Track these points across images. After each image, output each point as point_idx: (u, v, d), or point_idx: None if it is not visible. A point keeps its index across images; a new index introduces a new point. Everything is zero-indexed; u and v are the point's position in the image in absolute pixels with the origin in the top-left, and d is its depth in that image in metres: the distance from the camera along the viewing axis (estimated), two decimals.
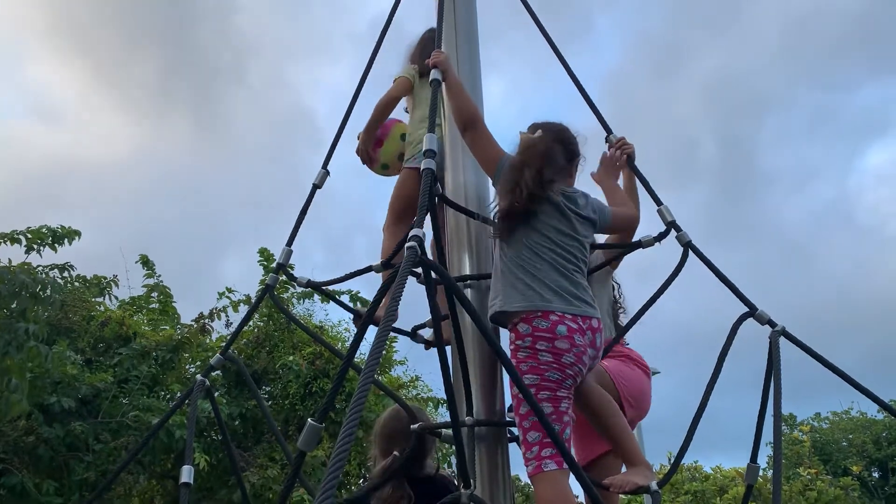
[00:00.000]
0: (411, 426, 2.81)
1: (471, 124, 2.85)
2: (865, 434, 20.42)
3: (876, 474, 20.07)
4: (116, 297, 9.31)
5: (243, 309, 9.46)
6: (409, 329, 3.39)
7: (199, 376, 3.17)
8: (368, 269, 3.19)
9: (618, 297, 3.42)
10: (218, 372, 8.79)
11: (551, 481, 2.38)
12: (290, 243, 3.39)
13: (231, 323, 9.54)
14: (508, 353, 2.51)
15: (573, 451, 2.64)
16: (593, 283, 3.13)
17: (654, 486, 2.59)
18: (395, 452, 2.89)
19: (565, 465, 2.36)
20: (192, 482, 2.69)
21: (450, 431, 2.57)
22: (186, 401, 3.28)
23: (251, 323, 9.57)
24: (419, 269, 2.19)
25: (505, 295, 2.59)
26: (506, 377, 2.68)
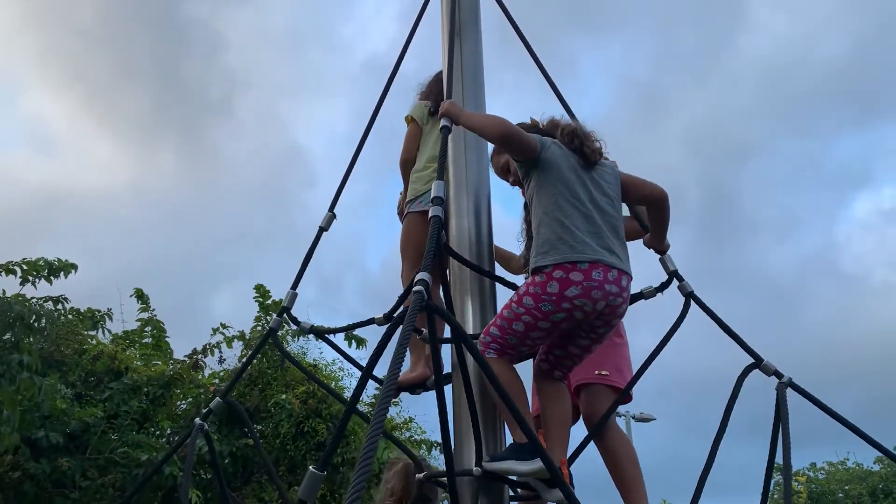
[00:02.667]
0: (416, 475, 2.75)
1: (502, 130, 2.77)
2: (861, 485, 20.19)
3: None
4: (110, 331, 9.20)
5: (237, 345, 9.37)
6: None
7: (197, 420, 3.12)
8: (371, 322, 3.15)
9: None
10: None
11: (493, 364, 2.54)
12: (295, 286, 3.37)
13: (224, 359, 9.45)
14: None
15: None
16: None
17: None
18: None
19: (505, 358, 2.64)
20: None
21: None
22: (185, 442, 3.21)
23: (242, 359, 9.49)
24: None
25: (537, 251, 2.66)
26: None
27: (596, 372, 3.03)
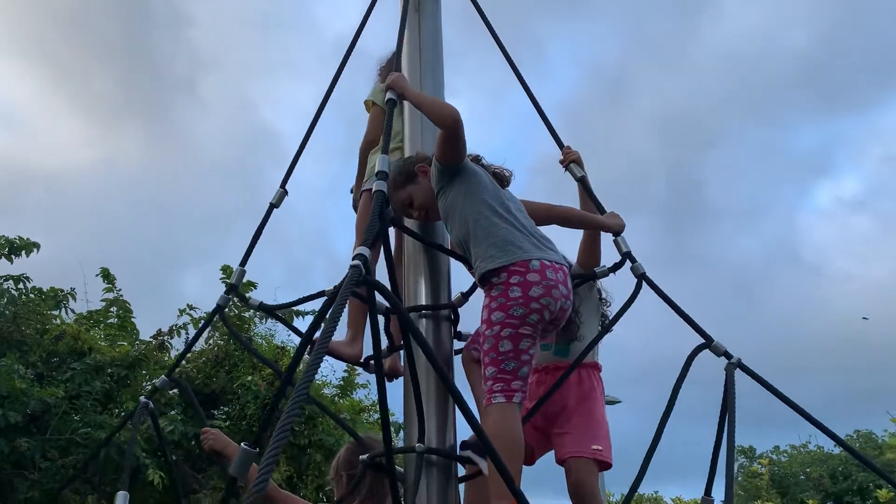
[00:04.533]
0: (360, 457, 2.74)
1: (455, 123, 2.72)
2: (822, 468, 20.61)
3: None
4: (73, 311, 9.08)
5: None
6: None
7: (142, 398, 3.07)
8: (321, 294, 3.12)
9: (602, 293, 3.39)
10: (175, 391, 8.63)
11: (498, 411, 2.49)
12: (243, 263, 3.30)
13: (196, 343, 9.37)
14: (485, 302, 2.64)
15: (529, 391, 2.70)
16: (582, 295, 3.26)
17: None
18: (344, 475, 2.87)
19: (515, 399, 2.50)
20: None
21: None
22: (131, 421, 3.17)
23: (211, 342, 9.41)
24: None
25: (484, 256, 2.66)
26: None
27: (592, 447, 3.01)
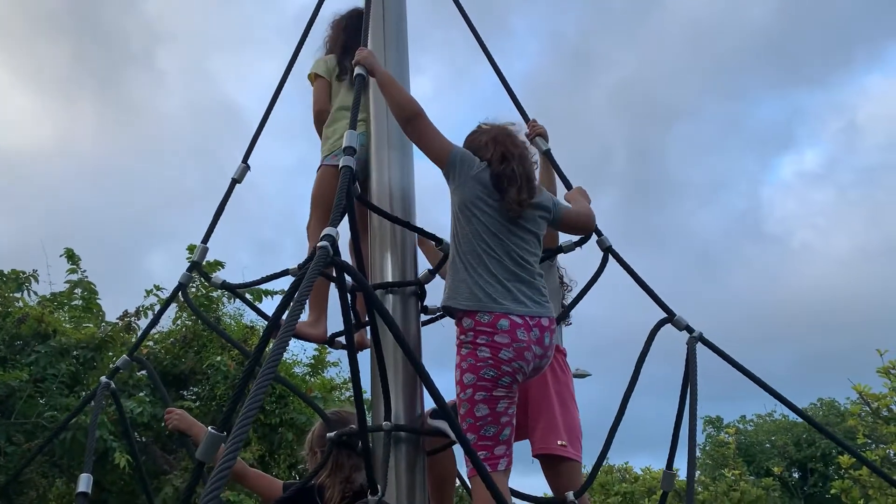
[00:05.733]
0: (327, 434, 2.75)
1: (414, 116, 2.70)
2: (787, 436, 21.20)
3: (796, 475, 20.85)
4: (36, 293, 8.91)
5: (171, 307, 9.19)
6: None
7: (103, 378, 3.03)
8: (286, 273, 3.10)
9: (564, 278, 3.41)
10: (143, 372, 8.54)
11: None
12: (206, 240, 3.27)
13: (158, 322, 9.26)
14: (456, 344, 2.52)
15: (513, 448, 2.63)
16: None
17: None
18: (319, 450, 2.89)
19: (500, 467, 2.40)
20: (89, 491, 2.57)
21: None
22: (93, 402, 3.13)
23: (178, 322, 9.31)
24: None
25: (452, 289, 2.54)
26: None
27: (558, 443, 2.96)
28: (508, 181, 2.58)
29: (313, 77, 3.60)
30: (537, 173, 3.20)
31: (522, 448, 3.12)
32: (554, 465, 2.96)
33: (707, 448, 19.77)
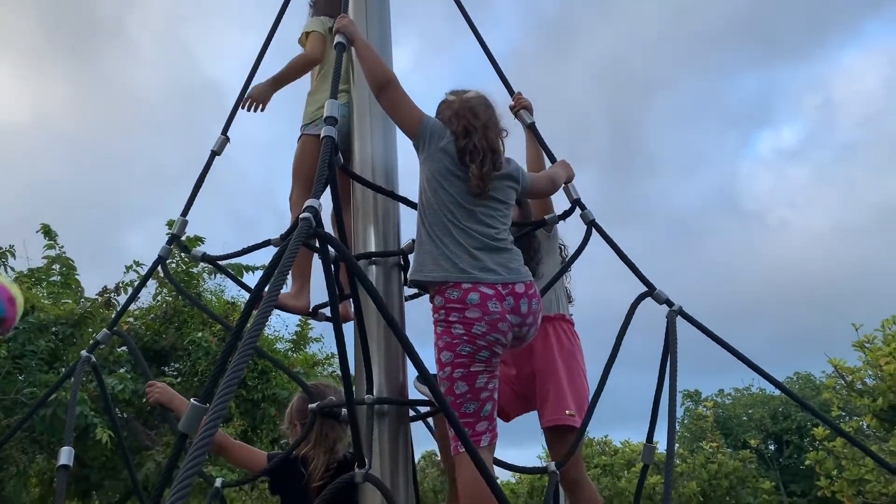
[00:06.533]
0: (309, 406, 2.75)
1: (386, 85, 2.67)
2: (763, 409, 21.57)
3: (772, 447, 21.26)
4: (13, 269, 8.80)
5: (151, 282, 9.12)
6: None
7: (83, 353, 3.00)
8: (267, 244, 3.07)
9: (563, 251, 3.41)
10: (123, 348, 8.49)
11: (468, 462, 2.29)
12: (185, 213, 3.23)
13: (138, 298, 9.21)
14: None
15: (498, 422, 2.60)
16: (541, 237, 3.22)
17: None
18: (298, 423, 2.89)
19: (483, 443, 2.39)
20: (70, 465, 2.55)
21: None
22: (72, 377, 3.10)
23: (159, 298, 9.26)
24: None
25: (418, 262, 2.51)
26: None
27: (567, 412, 2.94)
28: (471, 156, 2.56)
29: (305, 35, 3.48)
30: (509, 143, 3.15)
31: (528, 420, 3.15)
32: (562, 434, 2.98)
33: (685, 421, 20.08)
